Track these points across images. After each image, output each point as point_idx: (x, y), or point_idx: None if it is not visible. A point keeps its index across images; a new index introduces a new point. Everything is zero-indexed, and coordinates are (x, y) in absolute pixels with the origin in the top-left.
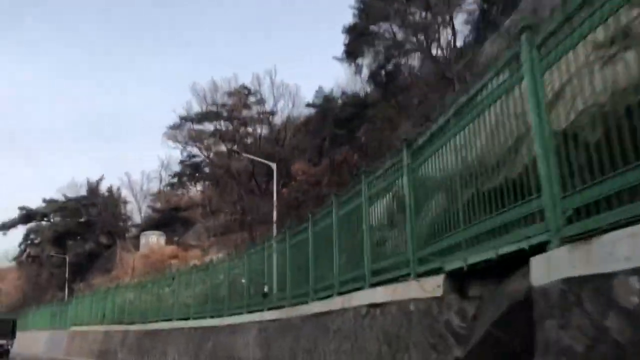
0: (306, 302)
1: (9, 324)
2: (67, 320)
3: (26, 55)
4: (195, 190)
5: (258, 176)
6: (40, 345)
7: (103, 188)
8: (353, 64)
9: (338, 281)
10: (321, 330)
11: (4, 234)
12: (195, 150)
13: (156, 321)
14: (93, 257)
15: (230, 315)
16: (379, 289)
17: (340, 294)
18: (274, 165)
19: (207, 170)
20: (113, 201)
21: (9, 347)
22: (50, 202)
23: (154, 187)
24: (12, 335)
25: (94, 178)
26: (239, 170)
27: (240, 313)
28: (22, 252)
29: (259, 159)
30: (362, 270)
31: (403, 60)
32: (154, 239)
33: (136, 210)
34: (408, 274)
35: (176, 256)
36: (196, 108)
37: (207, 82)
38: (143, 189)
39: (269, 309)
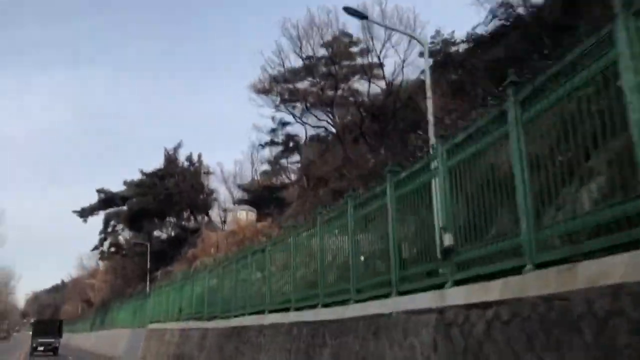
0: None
1: (56, 324)
2: (146, 317)
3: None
4: (289, 172)
5: (366, 133)
6: (120, 346)
7: (182, 157)
8: None
9: None
10: None
11: (84, 220)
12: (288, 117)
13: (242, 315)
14: (177, 242)
15: (364, 300)
16: None
17: None
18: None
19: (302, 137)
20: (193, 171)
21: (57, 344)
22: (130, 183)
23: (247, 170)
24: (58, 334)
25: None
26: (346, 125)
27: (385, 295)
28: (102, 240)
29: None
30: None
31: None
32: (242, 215)
33: (229, 201)
34: None
35: (269, 235)
36: (286, 48)
37: (302, 17)
38: (236, 179)
39: (458, 283)
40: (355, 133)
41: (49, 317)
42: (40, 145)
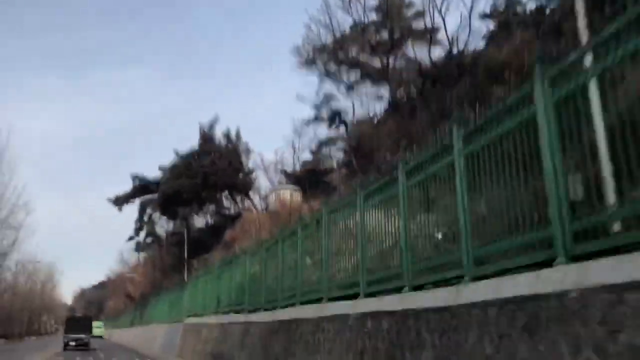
0: None
1: (87, 321)
2: (182, 310)
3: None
4: (333, 158)
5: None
6: (157, 342)
7: (219, 134)
8: None
9: None
10: None
11: (119, 209)
12: (334, 90)
13: (292, 305)
14: (215, 230)
15: (490, 275)
16: None
17: None
18: None
19: (350, 113)
20: (231, 148)
21: (87, 340)
22: (165, 168)
23: (288, 159)
24: (89, 331)
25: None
26: (402, 94)
27: (542, 263)
28: (138, 230)
29: None
30: None
31: None
32: (286, 195)
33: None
34: None
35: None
36: (334, 6)
37: None
38: (277, 166)
39: None
40: (415, 100)
41: (81, 315)
42: (84, 143)
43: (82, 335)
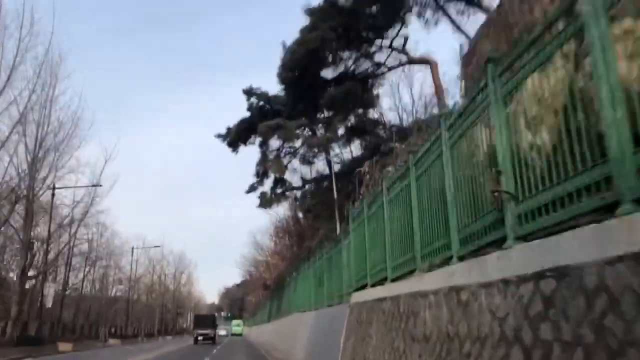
0: None
1: (211, 318)
2: (342, 283)
3: None
4: None
5: None
6: (300, 343)
7: None
8: None
9: None
10: None
11: (233, 150)
12: None
13: None
14: (377, 148)
15: None
16: None
17: None
18: None
19: None
20: None
21: (212, 335)
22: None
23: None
24: (213, 326)
25: None
26: None
27: None
28: (261, 175)
29: None
30: None
31: None
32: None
33: None
34: None
35: None
36: None
37: None
38: None
39: None
40: None
41: (207, 313)
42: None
43: (208, 331)
